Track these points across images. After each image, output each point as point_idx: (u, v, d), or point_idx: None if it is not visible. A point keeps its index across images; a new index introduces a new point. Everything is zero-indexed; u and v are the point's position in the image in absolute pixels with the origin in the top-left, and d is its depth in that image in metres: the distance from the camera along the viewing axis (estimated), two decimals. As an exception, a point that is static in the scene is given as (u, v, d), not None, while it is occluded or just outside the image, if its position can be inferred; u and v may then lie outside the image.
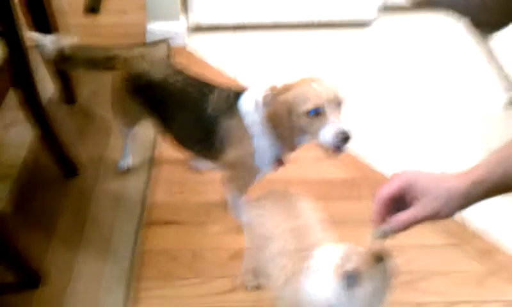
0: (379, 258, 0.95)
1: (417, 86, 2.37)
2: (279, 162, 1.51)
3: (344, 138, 1.30)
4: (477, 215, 1.78)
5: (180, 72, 1.58)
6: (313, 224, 1.23)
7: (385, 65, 2.51)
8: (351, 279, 0.94)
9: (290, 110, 1.34)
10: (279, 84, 1.42)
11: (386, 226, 0.86)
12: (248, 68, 2.43)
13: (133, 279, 1.61)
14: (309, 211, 1.27)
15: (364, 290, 0.94)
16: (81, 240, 1.72)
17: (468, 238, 1.72)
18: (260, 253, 1.26)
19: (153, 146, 2.05)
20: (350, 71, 2.46)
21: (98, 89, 2.26)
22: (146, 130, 1.95)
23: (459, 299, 1.55)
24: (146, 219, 1.80)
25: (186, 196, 1.87)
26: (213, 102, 1.48)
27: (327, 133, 1.31)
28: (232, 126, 1.46)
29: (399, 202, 0.85)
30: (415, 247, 1.69)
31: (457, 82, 2.40)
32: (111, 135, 2.08)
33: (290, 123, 1.35)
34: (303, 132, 1.36)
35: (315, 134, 1.34)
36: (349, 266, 0.94)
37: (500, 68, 2.23)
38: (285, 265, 1.13)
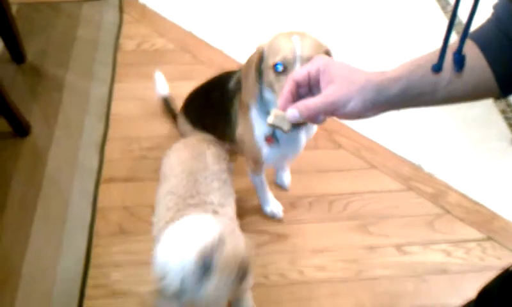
0: (241, 272, 0.94)
1: (373, 31, 2.38)
2: (268, 138, 1.34)
3: None
4: (429, 159, 1.83)
5: None
6: (213, 172, 1.24)
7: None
8: (205, 267, 0.92)
9: (260, 58, 1.20)
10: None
11: (292, 110, 0.79)
12: (204, 22, 2.39)
13: (93, 235, 1.62)
14: (215, 159, 1.28)
15: (212, 284, 0.93)
16: (38, 199, 1.71)
17: (420, 182, 1.77)
18: (158, 189, 1.28)
19: (109, 103, 2.02)
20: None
21: (47, 47, 2.20)
22: (101, 86, 1.92)
23: (408, 240, 1.61)
24: (104, 176, 1.79)
25: (144, 152, 1.86)
26: (236, 78, 1.38)
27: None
28: (241, 100, 1.36)
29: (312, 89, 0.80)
30: (369, 193, 1.74)
31: (412, 27, 2.41)
32: (63, 93, 2.03)
33: (256, 74, 1.22)
34: (270, 89, 1.21)
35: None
36: (210, 258, 0.92)
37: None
38: (171, 206, 1.14)
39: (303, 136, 1.37)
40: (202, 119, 1.56)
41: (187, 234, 0.97)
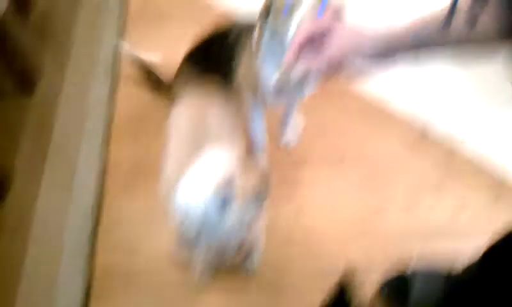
0: (259, 193, 0.98)
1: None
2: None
3: None
4: (439, 119, 1.82)
5: None
6: (219, 129, 1.25)
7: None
8: (223, 201, 0.97)
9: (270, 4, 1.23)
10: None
11: (297, 70, 0.81)
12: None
13: (103, 193, 1.64)
14: (218, 119, 1.28)
15: (232, 215, 0.98)
16: (47, 151, 1.71)
17: (429, 143, 1.76)
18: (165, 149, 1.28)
19: (117, 63, 2.00)
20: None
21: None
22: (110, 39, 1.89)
23: (415, 202, 1.60)
24: (114, 130, 1.80)
25: (153, 108, 1.85)
26: (235, 29, 1.43)
27: None
28: (245, 45, 1.40)
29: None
30: (378, 152, 1.73)
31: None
32: (74, 43, 2.00)
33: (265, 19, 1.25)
34: (277, 32, 1.23)
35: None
36: (226, 190, 0.96)
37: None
38: (177, 166, 1.15)
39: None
40: (202, 72, 1.55)
41: (203, 172, 1.00)
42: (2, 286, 1.43)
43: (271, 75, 1.34)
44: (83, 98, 1.88)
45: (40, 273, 1.47)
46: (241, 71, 1.43)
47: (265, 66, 1.35)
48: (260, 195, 0.99)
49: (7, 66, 1.77)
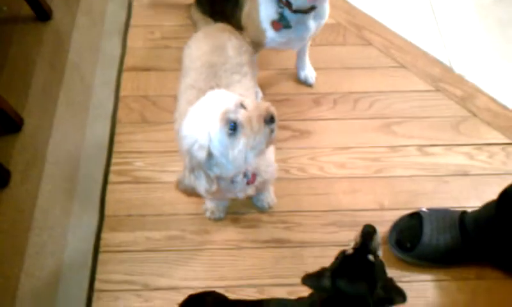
0: (266, 119, 0.98)
1: None
2: (275, 24, 1.35)
3: None
4: (461, 61, 1.77)
5: None
6: (233, 65, 1.23)
7: None
8: (231, 128, 0.96)
9: None
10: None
11: None
12: None
13: (115, 123, 1.63)
14: (235, 51, 1.25)
15: (241, 141, 0.97)
16: (61, 86, 1.71)
17: (450, 84, 1.71)
18: (180, 84, 1.27)
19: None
20: None
21: None
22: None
23: (432, 142, 1.59)
24: (127, 64, 1.77)
25: (167, 41, 1.83)
26: None
27: None
28: None
29: None
30: (396, 92, 1.70)
31: None
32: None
33: None
34: None
35: None
36: (234, 116, 0.96)
37: None
38: (191, 100, 1.13)
39: (312, 23, 1.36)
40: (212, 5, 1.54)
41: (210, 104, 1.00)
42: (16, 222, 1.46)
43: (270, 14, 1.31)
44: (98, 26, 1.86)
45: (53, 208, 1.50)
46: (243, 16, 1.41)
47: (265, 4, 1.32)
48: (268, 125, 0.98)
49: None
